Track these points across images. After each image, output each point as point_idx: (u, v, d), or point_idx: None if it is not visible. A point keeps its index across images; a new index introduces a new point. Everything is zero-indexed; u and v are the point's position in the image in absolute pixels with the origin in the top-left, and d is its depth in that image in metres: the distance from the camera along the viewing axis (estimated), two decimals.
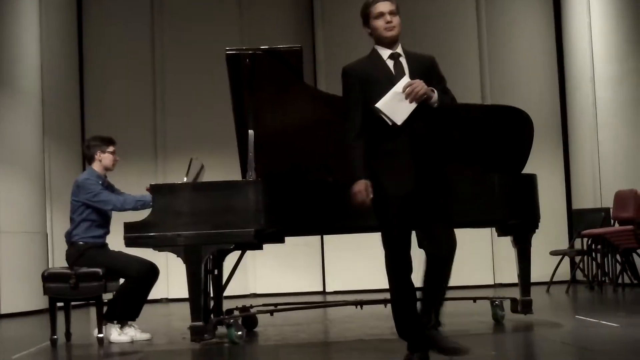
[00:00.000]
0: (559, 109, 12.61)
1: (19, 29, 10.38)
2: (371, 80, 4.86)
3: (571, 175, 12.46)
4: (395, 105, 4.74)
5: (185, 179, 6.51)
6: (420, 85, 4.73)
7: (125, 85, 12.49)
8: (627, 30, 10.66)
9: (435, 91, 4.79)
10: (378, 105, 4.75)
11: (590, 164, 11.69)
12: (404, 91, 4.72)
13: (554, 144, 12.52)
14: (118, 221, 6.53)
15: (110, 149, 7.12)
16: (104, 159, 7.08)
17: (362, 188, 4.79)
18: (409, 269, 4.87)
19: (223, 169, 8.82)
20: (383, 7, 4.90)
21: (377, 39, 4.95)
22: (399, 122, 4.73)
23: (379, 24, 4.90)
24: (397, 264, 4.87)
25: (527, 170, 7.02)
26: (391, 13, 4.90)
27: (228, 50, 6.35)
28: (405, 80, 4.77)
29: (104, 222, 7.02)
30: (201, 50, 12.33)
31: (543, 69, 12.69)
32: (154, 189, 6.33)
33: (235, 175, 7.13)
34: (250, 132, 6.52)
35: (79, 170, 10.82)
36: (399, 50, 4.94)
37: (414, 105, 4.72)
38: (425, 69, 4.92)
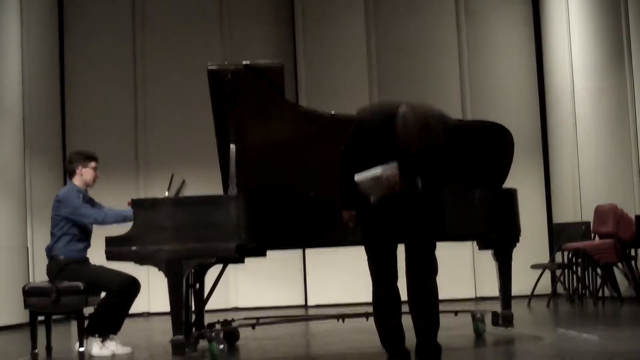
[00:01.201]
0: (539, 123, 12.66)
1: None
2: (376, 144, 4.83)
3: (552, 189, 12.51)
4: (372, 185, 4.77)
5: (166, 194, 6.51)
6: (401, 186, 4.73)
7: (107, 100, 12.46)
8: (606, 45, 10.74)
9: (419, 183, 4.79)
10: (356, 179, 4.79)
11: (570, 178, 11.75)
12: (385, 177, 4.74)
13: (535, 159, 12.57)
14: (99, 236, 6.51)
15: (92, 164, 7.11)
16: (85, 174, 7.07)
17: (346, 217, 4.99)
18: (390, 277, 4.91)
19: (205, 184, 8.82)
20: (414, 143, 4.72)
21: None
22: (373, 200, 4.80)
23: (404, 145, 4.75)
24: (378, 273, 4.92)
25: (507, 184, 7.06)
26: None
27: (210, 65, 6.36)
28: (393, 168, 4.75)
29: (85, 236, 7.00)
30: (183, 65, 12.33)
31: (523, 84, 12.76)
32: (135, 203, 6.32)
33: (216, 190, 7.14)
34: (232, 147, 6.52)
35: (60, 185, 10.77)
36: None
37: (389, 192, 4.76)
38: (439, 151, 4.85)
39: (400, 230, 4.92)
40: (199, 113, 10.54)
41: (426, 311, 4.95)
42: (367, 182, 4.77)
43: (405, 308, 5.07)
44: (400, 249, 4.99)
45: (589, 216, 10.75)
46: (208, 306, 7.18)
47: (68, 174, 7.21)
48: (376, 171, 4.75)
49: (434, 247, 4.94)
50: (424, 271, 4.90)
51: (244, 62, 6.39)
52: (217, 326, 7.18)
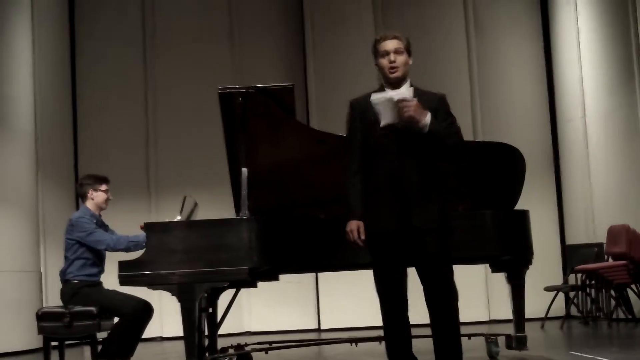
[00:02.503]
0: (551, 143, 12.65)
1: (12, 67, 10.41)
2: (371, 117, 4.86)
3: (564, 210, 12.48)
4: (386, 107, 4.77)
5: (178, 217, 6.51)
6: (413, 105, 4.73)
7: (119, 122, 12.51)
8: (617, 64, 10.74)
9: (429, 115, 4.79)
10: (372, 98, 4.80)
11: (582, 199, 11.71)
12: (397, 102, 4.74)
13: (546, 179, 12.54)
14: (113, 260, 6.52)
15: (103, 187, 7.12)
16: (96, 197, 7.08)
17: (353, 228, 4.83)
18: (400, 304, 4.86)
19: (216, 206, 8.82)
20: (389, 45, 4.88)
21: (383, 77, 4.94)
22: (382, 123, 4.77)
23: (384, 63, 4.88)
24: (386, 300, 4.88)
25: (519, 206, 7.04)
26: (397, 52, 4.87)
27: (221, 89, 6.37)
28: (405, 93, 4.78)
29: (99, 261, 7.00)
30: (194, 87, 12.39)
31: (534, 104, 12.75)
32: (147, 227, 6.31)
33: (228, 213, 7.14)
34: (244, 170, 6.53)
35: (73, 208, 10.80)
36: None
37: (398, 119, 4.75)
38: (431, 108, 4.89)
39: (411, 252, 4.86)
40: (210, 135, 10.56)
41: (446, 339, 4.87)
42: (382, 104, 4.78)
43: (419, 332, 5.04)
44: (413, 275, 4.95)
45: (602, 237, 10.71)
46: (221, 330, 7.16)
47: (80, 197, 7.23)
48: (390, 94, 4.77)
49: (450, 272, 4.89)
50: (443, 297, 4.84)
51: (255, 86, 6.40)
52: (231, 350, 7.17)
